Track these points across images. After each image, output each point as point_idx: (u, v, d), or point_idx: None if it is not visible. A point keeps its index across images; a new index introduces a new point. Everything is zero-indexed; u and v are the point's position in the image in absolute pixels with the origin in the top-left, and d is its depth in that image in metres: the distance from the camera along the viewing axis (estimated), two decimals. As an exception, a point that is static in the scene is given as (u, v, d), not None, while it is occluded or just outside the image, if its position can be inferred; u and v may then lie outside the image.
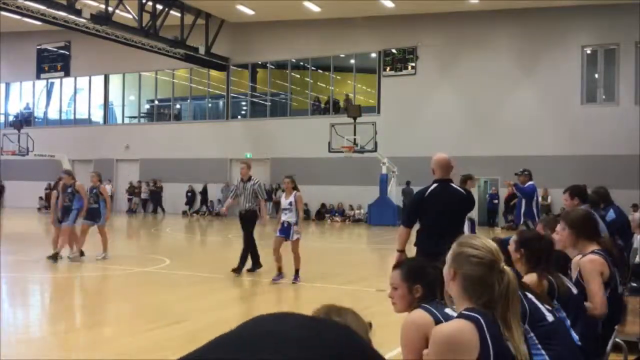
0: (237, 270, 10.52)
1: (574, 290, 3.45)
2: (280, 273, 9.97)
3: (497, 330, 2.10)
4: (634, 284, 6.77)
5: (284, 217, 10.12)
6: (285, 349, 1.02)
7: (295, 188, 10.49)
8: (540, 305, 2.82)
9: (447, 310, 2.64)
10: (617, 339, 3.97)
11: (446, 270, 2.30)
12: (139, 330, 6.55)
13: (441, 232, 5.17)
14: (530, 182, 11.04)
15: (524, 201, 10.97)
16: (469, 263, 2.22)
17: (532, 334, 2.71)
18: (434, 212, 5.70)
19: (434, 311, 2.69)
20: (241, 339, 1.09)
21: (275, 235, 10.15)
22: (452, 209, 5.74)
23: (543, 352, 2.70)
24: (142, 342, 6.05)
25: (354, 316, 1.91)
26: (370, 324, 1.96)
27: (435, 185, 5.75)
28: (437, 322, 2.55)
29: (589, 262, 3.83)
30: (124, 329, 6.83)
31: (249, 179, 11.41)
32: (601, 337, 3.83)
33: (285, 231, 9.95)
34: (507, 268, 2.26)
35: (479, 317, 2.10)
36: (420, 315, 2.70)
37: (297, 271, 9.85)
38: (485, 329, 2.06)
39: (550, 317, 2.81)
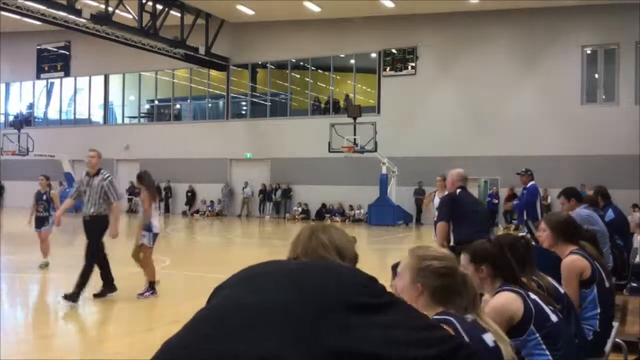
0: (100, 295, 8.19)
1: (561, 290, 3.46)
2: None
3: (476, 330, 2.08)
4: (634, 284, 6.77)
5: None
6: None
7: None
8: (544, 306, 2.83)
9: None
10: (617, 339, 3.97)
11: (406, 286, 2.18)
12: (139, 330, 6.55)
13: (476, 225, 6.53)
14: (532, 182, 11.02)
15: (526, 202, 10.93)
16: (437, 276, 2.14)
17: (537, 335, 2.73)
18: (470, 210, 6.83)
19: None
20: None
21: None
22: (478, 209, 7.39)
23: (547, 352, 2.71)
24: (141, 342, 6.05)
25: (337, 231, 2.07)
26: (354, 238, 2.12)
27: (460, 190, 6.98)
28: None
29: (569, 263, 3.97)
30: (123, 329, 6.83)
31: (98, 172, 8.22)
32: (599, 334, 3.85)
33: None
34: (464, 270, 2.33)
35: (452, 318, 2.05)
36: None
37: None
38: (460, 329, 2.01)
39: (554, 318, 2.82)
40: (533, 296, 2.84)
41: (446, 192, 9.19)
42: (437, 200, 10.33)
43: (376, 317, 1.22)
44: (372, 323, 1.20)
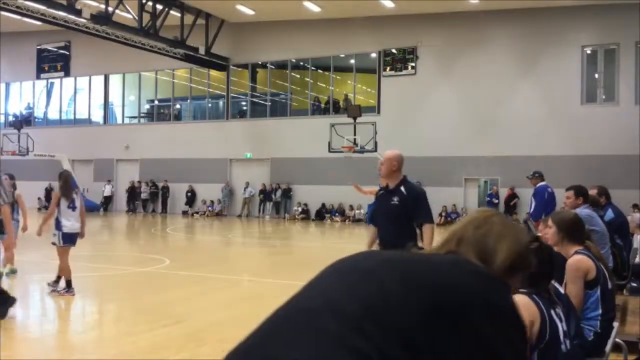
0: None
1: (562, 290, 3.47)
2: None
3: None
4: (634, 284, 6.77)
5: None
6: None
7: None
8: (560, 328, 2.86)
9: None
10: (617, 339, 3.97)
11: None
12: (139, 330, 6.55)
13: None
14: (541, 183, 11.02)
15: (534, 201, 10.92)
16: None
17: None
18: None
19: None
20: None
21: None
22: None
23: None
24: (142, 342, 6.05)
25: (505, 228, 1.59)
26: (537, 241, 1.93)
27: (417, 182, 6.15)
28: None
29: (576, 262, 3.95)
30: (124, 329, 6.83)
31: None
32: (600, 335, 3.85)
33: None
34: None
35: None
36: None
37: None
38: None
39: (564, 348, 2.85)
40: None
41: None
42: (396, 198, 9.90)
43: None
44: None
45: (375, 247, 5.61)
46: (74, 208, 8.52)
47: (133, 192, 31.21)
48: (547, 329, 2.72)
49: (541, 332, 2.70)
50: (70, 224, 8.43)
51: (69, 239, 8.48)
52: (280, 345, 1.10)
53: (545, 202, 10.68)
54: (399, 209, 5.38)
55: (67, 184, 8.71)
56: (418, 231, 5.54)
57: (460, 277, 1.24)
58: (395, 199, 5.41)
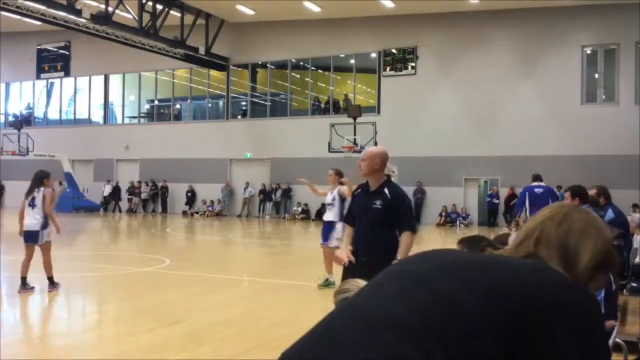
0: None
1: None
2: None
3: None
4: (634, 284, 6.77)
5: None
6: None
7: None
8: None
9: None
10: (617, 339, 3.97)
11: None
12: (139, 330, 6.55)
13: None
14: (532, 184, 11.17)
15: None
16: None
17: None
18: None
19: None
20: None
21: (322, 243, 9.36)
22: None
23: None
24: (142, 342, 6.05)
25: (587, 223, 1.44)
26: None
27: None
28: None
29: None
30: (124, 329, 6.83)
31: None
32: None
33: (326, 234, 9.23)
34: None
35: None
36: None
37: None
38: None
39: None
40: None
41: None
42: (329, 197, 9.38)
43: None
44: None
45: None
46: (32, 206, 8.66)
47: (115, 193, 31.11)
48: None
49: None
50: (27, 221, 8.62)
51: (27, 237, 8.63)
52: (333, 355, 1.05)
53: (521, 203, 10.90)
54: (381, 214, 4.79)
55: (32, 182, 8.81)
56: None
57: (544, 289, 1.16)
58: (378, 203, 4.81)
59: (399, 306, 1.12)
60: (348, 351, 1.04)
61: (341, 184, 9.06)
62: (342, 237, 8.87)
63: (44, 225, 8.67)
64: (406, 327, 1.06)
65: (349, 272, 4.54)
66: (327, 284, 9.07)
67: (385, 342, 1.03)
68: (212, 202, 29.48)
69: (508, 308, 1.09)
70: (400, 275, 1.23)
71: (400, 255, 4.57)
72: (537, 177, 11.53)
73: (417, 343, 1.03)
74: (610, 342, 3.82)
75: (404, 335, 1.04)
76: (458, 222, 24.50)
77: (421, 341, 1.03)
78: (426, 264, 1.24)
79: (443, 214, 24.87)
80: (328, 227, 9.32)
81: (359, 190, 5.08)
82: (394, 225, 4.82)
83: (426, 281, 1.17)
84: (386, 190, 4.87)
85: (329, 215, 9.42)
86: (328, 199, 9.39)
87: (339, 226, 8.76)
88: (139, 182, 31.30)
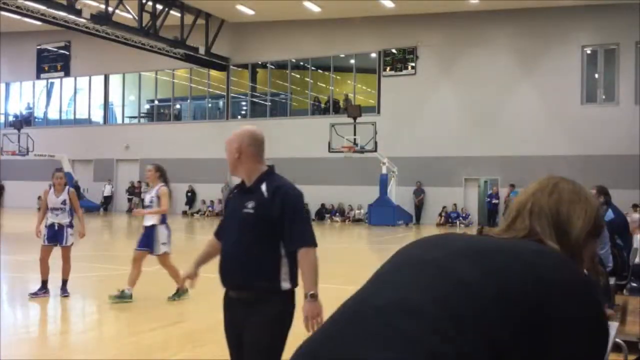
0: None
1: None
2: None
3: None
4: (634, 284, 6.77)
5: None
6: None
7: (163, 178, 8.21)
8: None
9: None
10: (617, 339, 3.97)
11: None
12: (139, 330, 6.55)
13: None
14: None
15: None
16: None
17: None
18: None
19: None
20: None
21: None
22: None
23: None
24: (142, 342, 6.05)
25: (574, 193, 1.45)
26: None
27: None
28: None
29: None
30: (124, 329, 6.83)
31: None
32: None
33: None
34: None
35: None
36: None
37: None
38: None
39: None
40: None
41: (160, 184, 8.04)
42: (148, 197, 8.33)
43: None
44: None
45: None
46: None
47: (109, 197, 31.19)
48: None
49: None
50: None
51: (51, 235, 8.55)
52: (350, 347, 1.04)
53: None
54: (254, 219, 3.23)
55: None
56: (285, 259, 3.24)
57: (555, 273, 1.18)
58: (250, 205, 3.26)
59: (414, 293, 1.12)
60: (366, 342, 1.04)
61: (165, 182, 8.12)
62: (168, 241, 8.46)
63: (70, 225, 8.60)
64: (427, 316, 1.06)
65: (227, 313, 3.37)
66: (122, 296, 8.04)
67: (404, 329, 1.04)
68: (212, 202, 29.48)
69: (520, 300, 1.11)
70: (413, 263, 1.23)
71: (306, 282, 3.20)
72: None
73: (438, 330, 1.04)
74: (610, 342, 3.82)
75: (424, 321, 1.05)
76: (458, 222, 24.50)
77: (441, 328, 1.04)
78: (436, 251, 1.24)
79: (443, 214, 24.88)
80: (148, 233, 8.23)
81: (235, 190, 3.49)
82: (275, 236, 3.24)
83: (442, 269, 1.17)
84: (263, 187, 3.33)
85: (148, 220, 8.23)
86: (146, 199, 8.32)
87: (161, 229, 8.16)
88: (139, 182, 31.28)
